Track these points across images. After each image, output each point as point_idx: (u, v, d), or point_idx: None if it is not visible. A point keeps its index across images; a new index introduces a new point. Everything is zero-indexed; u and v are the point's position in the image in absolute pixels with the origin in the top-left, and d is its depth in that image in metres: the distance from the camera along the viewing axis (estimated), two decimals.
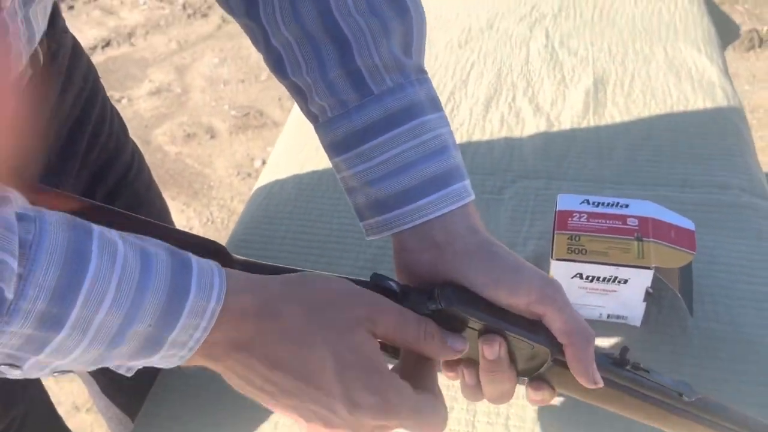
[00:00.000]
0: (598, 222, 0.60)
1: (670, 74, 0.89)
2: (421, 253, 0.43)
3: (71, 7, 2.73)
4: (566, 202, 0.62)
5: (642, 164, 0.77)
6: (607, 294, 0.59)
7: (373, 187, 0.44)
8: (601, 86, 0.88)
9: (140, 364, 0.36)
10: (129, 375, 0.37)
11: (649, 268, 0.56)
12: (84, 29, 2.58)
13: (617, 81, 0.89)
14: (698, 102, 0.84)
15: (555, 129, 0.83)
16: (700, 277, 0.64)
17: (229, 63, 2.41)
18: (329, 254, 0.70)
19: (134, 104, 2.25)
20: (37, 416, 0.62)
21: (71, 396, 1.43)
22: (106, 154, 0.61)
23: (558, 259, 0.57)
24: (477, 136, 0.83)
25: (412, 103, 0.43)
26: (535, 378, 0.44)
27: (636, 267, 0.56)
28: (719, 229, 0.69)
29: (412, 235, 0.44)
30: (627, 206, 0.61)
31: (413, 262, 0.44)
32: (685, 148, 0.78)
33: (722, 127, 0.80)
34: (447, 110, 0.86)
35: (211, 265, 0.36)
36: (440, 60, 0.96)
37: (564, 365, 0.42)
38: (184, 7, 2.71)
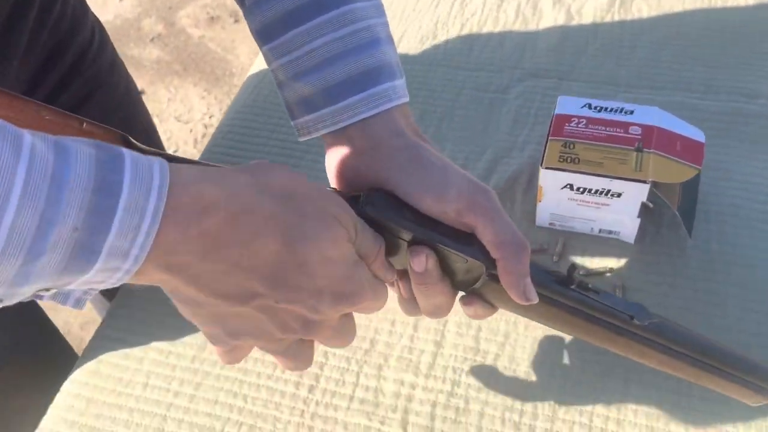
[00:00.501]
0: (597, 129, 0.55)
1: None
2: (347, 158, 0.40)
3: None
4: (566, 105, 0.57)
5: (664, 66, 0.70)
6: (600, 208, 0.54)
7: (299, 81, 0.40)
8: None
9: (78, 284, 0.30)
10: (79, 308, 0.33)
11: (645, 182, 0.51)
12: None
13: None
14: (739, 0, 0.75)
15: (574, 23, 0.75)
16: (709, 194, 0.59)
17: None
18: (316, 151, 0.67)
19: None
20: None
21: None
22: (58, 36, 0.57)
23: (547, 168, 0.53)
24: (488, 29, 0.76)
25: None
26: (471, 293, 0.41)
27: (631, 180, 0.51)
28: (739, 142, 0.63)
29: (336, 138, 0.41)
30: (632, 113, 0.55)
31: (340, 167, 0.41)
32: (715, 50, 0.71)
33: (761, 30, 0.72)
34: (458, 4, 0.79)
35: (150, 158, 0.31)
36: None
37: (499, 280, 0.39)
38: None
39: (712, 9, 0.75)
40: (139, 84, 1.87)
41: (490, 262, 0.39)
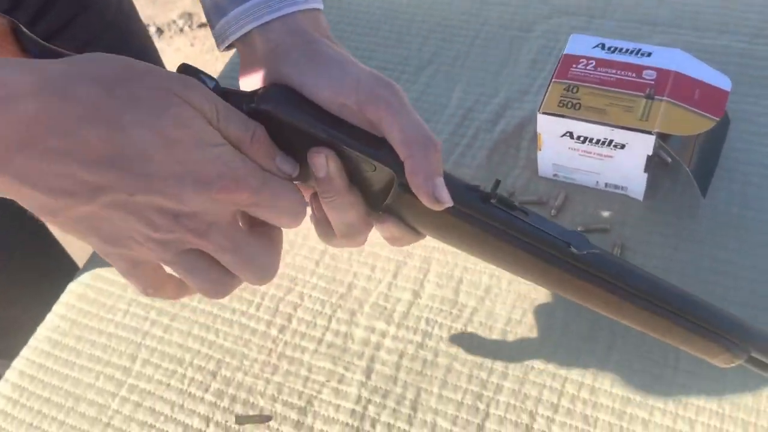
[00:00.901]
0: (606, 72, 0.49)
1: None
2: (252, 67, 0.38)
3: None
4: (577, 44, 0.52)
5: (712, 5, 0.62)
6: (603, 160, 0.50)
7: None
8: None
9: None
10: None
11: (650, 132, 0.46)
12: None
13: None
14: None
15: None
16: (738, 150, 0.53)
17: None
18: None
19: None
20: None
21: None
22: None
23: (545, 113, 0.49)
24: None
25: None
26: (385, 210, 0.37)
27: (635, 130, 0.46)
28: None
29: (244, 46, 0.38)
30: (650, 55, 0.50)
31: (247, 79, 0.38)
32: None
33: None
34: None
35: None
36: None
37: (408, 197, 0.35)
38: None
39: None
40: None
41: (401, 169, 0.34)
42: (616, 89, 0.48)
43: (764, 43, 0.59)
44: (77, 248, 1.40)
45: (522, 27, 0.65)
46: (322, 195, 0.36)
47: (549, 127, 0.49)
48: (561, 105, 0.48)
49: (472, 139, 0.58)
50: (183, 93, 0.31)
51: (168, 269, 0.35)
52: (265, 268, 0.35)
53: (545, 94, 0.49)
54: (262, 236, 0.35)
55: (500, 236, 0.35)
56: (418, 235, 0.38)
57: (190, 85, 0.32)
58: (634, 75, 0.49)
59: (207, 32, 1.84)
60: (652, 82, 0.48)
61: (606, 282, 0.35)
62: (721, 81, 0.48)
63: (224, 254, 0.33)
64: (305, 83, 0.35)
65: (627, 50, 0.50)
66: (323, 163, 0.34)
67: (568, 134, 0.49)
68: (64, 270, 0.70)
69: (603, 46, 0.51)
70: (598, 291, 0.36)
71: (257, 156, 0.34)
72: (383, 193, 0.36)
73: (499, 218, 0.35)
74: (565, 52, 0.51)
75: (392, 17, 0.68)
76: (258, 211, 0.34)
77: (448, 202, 0.34)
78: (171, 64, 1.78)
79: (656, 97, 0.47)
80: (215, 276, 0.34)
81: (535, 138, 0.56)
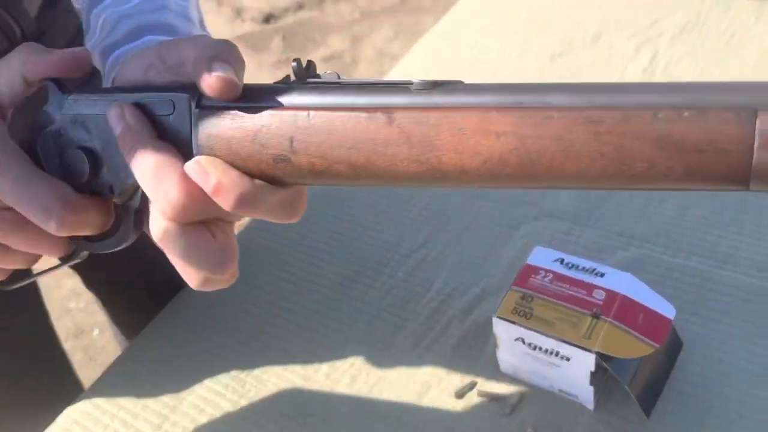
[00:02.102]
0: (560, 286, 0.54)
1: None
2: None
3: None
4: (539, 256, 0.57)
5: (688, 227, 0.67)
6: (552, 368, 0.53)
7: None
8: None
9: None
10: None
11: (590, 351, 0.49)
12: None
13: None
14: None
15: None
16: (687, 373, 0.55)
17: (401, 38, 2.44)
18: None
19: None
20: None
21: None
22: None
23: (499, 317, 0.53)
24: None
25: None
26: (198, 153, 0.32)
27: (577, 347, 0.50)
28: (746, 323, 0.58)
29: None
30: (602, 276, 0.54)
31: None
32: (750, 217, 0.66)
33: None
34: None
35: None
36: (524, 69, 0.90)
37: (214, 109, 0.32)
38: None
39: None
40: None
41: (196, 91, 0.32)
42: (567, 304, 0.52)
43: (730, 270, 0.62)
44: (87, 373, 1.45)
45: (510, 224, 0.71)
46: (127, 153, 0.33)
47: (503, 331, 0.53)
48: (514, 312, 0.53)
49: (445, 326, 0.62)
50: None
51: None
52: (48, 250, 0.36)
53: (503, 299, 0.54)
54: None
55: (328, 107, 0.30)
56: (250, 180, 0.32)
57: None
58: (585, 293, 0.53)
59: None
60: (600, 303, 0.52)
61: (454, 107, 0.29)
62: (666, 309, 0.52)
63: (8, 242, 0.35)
64: (120, 73, 0.36)
65: (583, 268, 0.55)
66: (119, 113, 0.33)
67: (520, 339, 0.53)
68: (68, 393, 0.75)
69: (562, 261, 0.56)
70: (479, 115, 0.28)
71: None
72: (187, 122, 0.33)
73: (317, 95, 0.31)
74: (527, 262, 0.56)
75: (393, 197, 0.76)
76: (10, 202, 0.34)
77: (224, 73, 0.30)
78: None
79: (602, 317, 0.51)
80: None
81: None
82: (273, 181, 0.32)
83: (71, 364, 0.82)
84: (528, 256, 0.67)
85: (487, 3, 1.07)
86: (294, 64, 0.32)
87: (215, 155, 0.32)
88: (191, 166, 0.31)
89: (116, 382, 0.62)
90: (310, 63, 0.32)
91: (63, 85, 0.36)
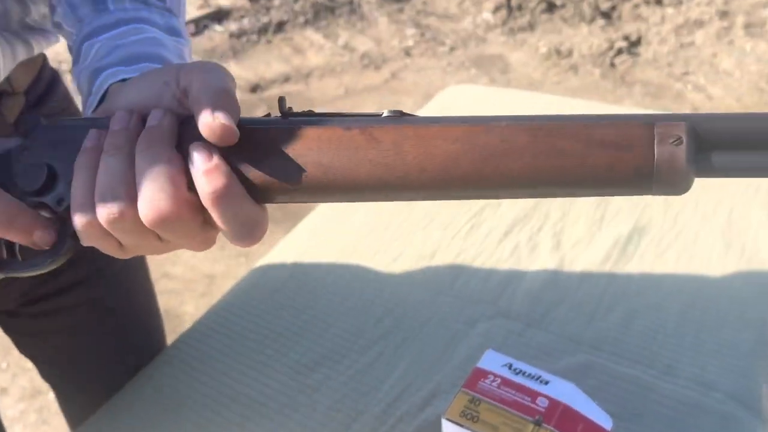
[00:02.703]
0: (507, 392, 0.57)
1: (719, 242, 0.80)
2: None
3: (269, 41, 3.05)
4: (490, 360, 0.59)
5: (632, 336, 0.70)
6: None
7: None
8: (636, 237, 0.82)
9: None
10: None
11: None
12: (273, 64, 2.87)
13: (656, 236, 0.82)
14: (736, 282, 0.75)
15: (563, 271, 0.79)
16: None
17: None
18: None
19: None
20: None
21: None
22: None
23: (447, 419, 0.55)
24: (481, 260, 0.81)
25: (141, 18, 0.46)
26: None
27: None
28: None
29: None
30: (547, 383, 0.57)
31: None
32: (691, 330, 0.70)
33: (747, 319, 0.71)
34: (466, 229, 0.86)
35: None
36: None
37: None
38: (362, 57, 2.90)
39: (700, 288, 0.75)
40: None
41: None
42: (511, 410, 0.55)
43: (671, 381, 0.65)
44: None
45: (467, 321, 0.74)
46: (139, 151, 0.34)
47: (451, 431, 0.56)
48: (462, 415, 0.55)
49: (397, 421, 0.64)
50: None
51: None
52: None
53: (452, 401, 0.57)
54: None
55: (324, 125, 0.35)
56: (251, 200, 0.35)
57: None
58: (529, 400, 0.56)
59: None
60: (543, 410, 0.55)
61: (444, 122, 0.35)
62: (604, 420, 0.55)
63: None
64: (120, 94, 0.38)
65: (529, 374, 0.58)
66: (159, 114, 0.35)
67: None
68: None
69: (510, 366, 0.59)
70: (447, 132, 0.34)
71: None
72: None
73: (297, 121, 0.35)
74: (477, 365, 0.59)
75: (358, 287, 0.79)
76: None
77: (226, 121, 0.33)
78: (201, 263, 1.88)
79: (543, 424, 0.54)
80: None
81: None
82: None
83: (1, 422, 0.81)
84: (478, 357, 0.70)
85: (457, 104, 1.14)
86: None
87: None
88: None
89: None
90: (281, 99, 0.36)
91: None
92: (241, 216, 0.34)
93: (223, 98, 0.34)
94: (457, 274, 0.79)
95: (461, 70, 2.81)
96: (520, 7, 3.10)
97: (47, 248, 0.37)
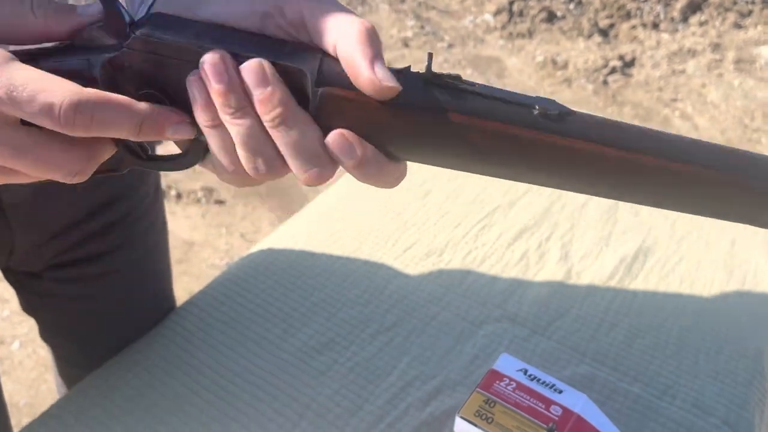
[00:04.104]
0: (522, 396, 0.57)
1: (721, 270, 0.82)
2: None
3: None
4: (505, 363, 0.60)
5: (634, 353, 0.72)
6: None
7: None
8: (642, 257, 0.84)
9: None
10: None
11: None
12: None
13: (662, 258, 0.84)
14: (736, 310, 0.77)
15: (570, 282, 0.80)
16: None
17: None
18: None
19: None
20: None
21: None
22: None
23: (462, 417, 0.56)
24: (490, 263, 0.82)
25: None
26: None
27: None
28: None
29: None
30: (561, 392, 0.58)
31: None
32: (690, 354, 0.72)
33: (745, 347, 0.73)
34: (477, 229, 0.86)
35: None
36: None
37: (339, 97, 0.31)
38: None
39: (702, 312, 0.77)
40: (224, 195, 2.05)
41: (318, 66, 0.31)
42: (526, 415, 0.56)
43: (668, 401, 0.67)
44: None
45: (474, 321, 0.74)
46: (270, 120, 0.30)
47: (463, 431, 0.56)
48: (477, 415, 0.56)
49: (402, 413, 0.64)
50: None
51: None
52: (72, 168, 0.31)
53: (467, 399, 0.57)
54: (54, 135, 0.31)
55: (454, 116, 0.31)
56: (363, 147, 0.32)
57: None
58: (543, 406, 0.57)
59: (219, 209, 1.99)
60: (556, 418, 0.56)
61: (596, 139, 0.32)
62: None
63: (17, 163, 0.31)
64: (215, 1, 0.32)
65: (544, 382, 0.59)
66: (261, 73, 0.30)
67: None
68: None
69: (525, 372, 0.59)
70: (593, 150, 0.31)
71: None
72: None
73: (451, 94, 0.32)
74: (493, 367, 0.60)
75: (369, 275, 0.78)
76: (8, 109, 0.29)
77: (390, 83, 0.30)
78: (180, 228, 1.87)
79: None
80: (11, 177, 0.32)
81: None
82: (390, 157, 0.33)
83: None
84: (487, 358, 0.70)
85: None
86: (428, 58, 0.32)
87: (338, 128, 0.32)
88: (338, 140, 0.31)
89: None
90: (431, 57, 0.32)
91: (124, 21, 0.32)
92: (386, 177, 0.33)
93: (374, 43, 0.30)
94: (465, 273, 0.80)
95: (457, 68, 2.81)
96: (521, 13, 3.12)
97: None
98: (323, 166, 0.32)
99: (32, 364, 1.51)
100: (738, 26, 3.12)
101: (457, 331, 0.73)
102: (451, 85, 0.32)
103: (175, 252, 1.84)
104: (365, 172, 0.32)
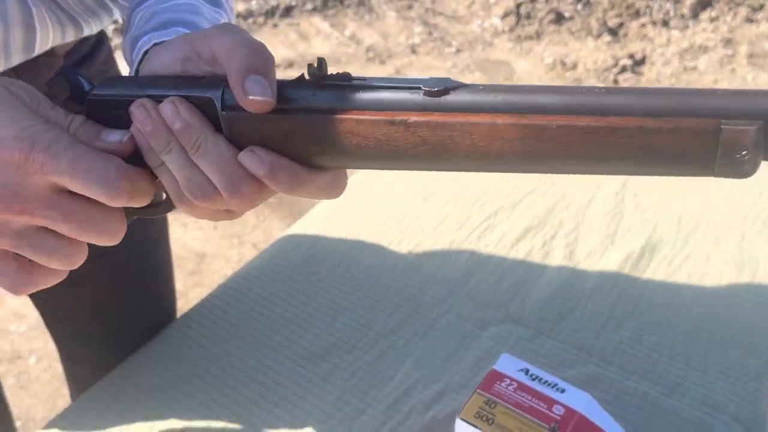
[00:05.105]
0: (523, 396, 0.56)
1: (731, 265, 0.81)
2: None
3: (275, 25, 3.03)
4: (506, 363, 0.59)
5: (642, 351, 0.71)
6: None
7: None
8: (648, 254, 0.82)
9: None
10: None
11: None
12: (278, 48, 2.85)
13: (668, 254, 0.82)
14: (746, 305, 0.76)
15: (575, 281, 0.79)
16: None
17: None
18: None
19: None
20: None
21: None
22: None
23: (462, 419, 0.55)
24: (494, 263, 0.81)
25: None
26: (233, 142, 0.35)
27: None
28: None
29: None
30: (563, 391, 0.57)
31: None
32: (699, 350, 0.71)
33: (756, 342, 0.72)
34: (480, 229, 0.86)
35: None
36: (503, 175, 0.95)
37: (241, 117, 0.34)
38: (367, 50, 2.89)
39: (712, 308, 0.75)
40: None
41: (220, 91, 0.34)
42: (527, 415, 0.55)
43: (677, 399, 0.66)
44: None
45: (477, 324, 0.74)
46: (191, 149, 0.34)
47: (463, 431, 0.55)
48: (477, 416, 0.55)
49: (404, 418, 0.64)
50: (4, 83, 0.35)
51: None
52: (105, 229, 0.35)
53: (468, 401, 0.56)
54: (94, 202, 0.35)
55: (340, 113, 0.33)
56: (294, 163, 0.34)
57: (13, 82, 0.35)
58: (545, 407, 0.56)
59: (231, 220, 2.00)
60: (558, 418, 0.55)
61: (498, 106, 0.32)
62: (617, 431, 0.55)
63: (56, 223, 0.34)
64: (153, 59, 0.37)
65: (546, 381, 0.58)
66: (173, 110, 0.34)
67: None
68: None
69: (527, 372, 0.58)
70: (486, 120, 0.32)
71: (82, 137, 0.35)
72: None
73: (336, 97, 0.33)
74: (494, 368, 0.59)
75: (370, 280, 0.78)
76: (67, 180, 0.33)
77: (263, 97, 0.32)
78: (193, 240, 1.87)
79: None
80: (59, 246, 0.35)
81: None
82: (311, 167, 0.35)
83: (3, 393, 0.80)
84: (491, 359, 0.70)
85: None
86: (309, 67, 0.34)
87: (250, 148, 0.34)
88: (247, 156, 0.34)
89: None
90: (322, 61, 0.34)
91: (81, 82, 0.37)
92: (316, 186, 0.35)
93: (254, 61, 0.33)
94: (469, 274, 0.79)
95: (466, 73, 2.81)
96: (528, 16, 3.11)
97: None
98: (246, 184, 0.34)
99: (48, 378, 1.53)
100: (750, 20, 3.09)
101: (460, 333, 0.72)
102: (342, 84, 0.34)
103: (187, 264, 1.85)
104: (280, 182, 0.34)
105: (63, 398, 1.47)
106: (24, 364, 1.55)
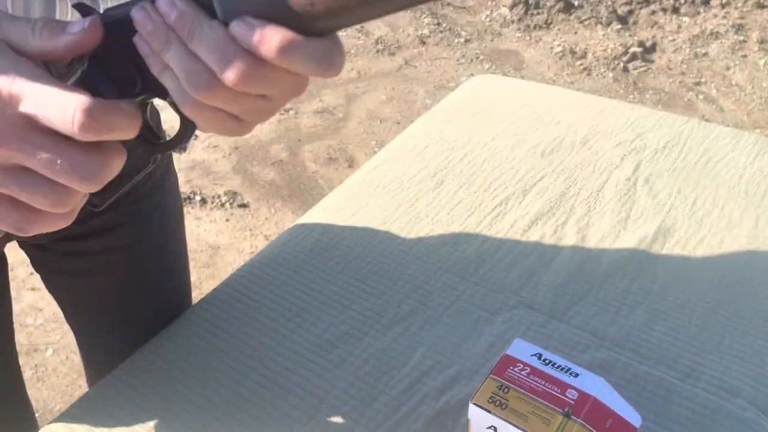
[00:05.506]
0: (536, 381, 0.56)
1: (745, 249, 0.80)
2: None
3: None
4: (519, 348, 0.59)
5: (656, 336, 0.70)
6: None
7: None
8: (661, 239, 0.82)
9: None
10: None
11: None
12: None
13: (682, 238, 0.82)
14: (761, 289, 0.75)
15: (587, 267, 0.78)
16: None
17: (393, 103, 2.52)
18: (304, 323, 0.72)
19: (299, 117, 2.44)
20: None
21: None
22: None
23: (475, 404, 0.55)
24: (506, 249, 0.81)
25: None
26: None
27: None
28: None
29: None
30: (577, 376, 0.57)
31: None
32: (714, 334, 0.70)
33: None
34: (492, 216, 0.85)
35: None
36: (515, 162, 0.95)
37: None
38: (376, 42, 2.88)
39: (727, 293, 0.75)
40: (247, 198, 2.06)
41: None
42: (541, 400, 0.55)
43: (691, 384, 0.65)
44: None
45: (490, 309, 0.73)
46: (187, 36, 0.34)
47: (477, 417, 0.55)
48: (490, 401, 0.55)
49: (417, 404, 0.64)
50: None
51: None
52: (81, 168, 0.34)
53: (481, 386, 0.56)
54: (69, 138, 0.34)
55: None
56: None
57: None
58: (559, 391, 0.55)
59: (243, 212, 2.00)
60: (572, 402, 0.55)
61: None
62: (633, 417, 0.55)
63: (28, 157, 0.34)
64: None
65: (559, 366, 0.57)
66: (169, 1, 0.34)
67: (492, 428, 0.55)
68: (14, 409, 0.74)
69: (540, 356, 0.58)
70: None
71: (48, 38, 0.34)
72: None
73: None
74: (507, 353, 0.59)
75: (381, 268, 0.78)
76: (32, 115, 0.33)
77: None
78: (206, 233, 1.88)
79: (572, 417, 0.54)
80: (39, 183, 0.34)
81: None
82: (306, 33, 0.33)
83: (24, 382, 0.80)
84: (504, 345, 0.69)
85: (482, 94, 1.13)
86: None
87: None
88: (236, 24, 0.33)
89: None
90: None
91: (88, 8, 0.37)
92: (309, 54, 0.32)
93: None
94: (481, 261, 0.79)
95: (475, 63, 2.80)
96: (537, 5, 3.09)
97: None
98: (241, 57, 0.33)
99: (66, 370, 1.54)
100: (761, 6, 3.05)
101: (472, 319, 0.72)
102: None
103: (201, 256, 1.86)
104: (270, 45, 0.32)
105: (80, 390, 1.48)
106: (41, 357, 1.57)
